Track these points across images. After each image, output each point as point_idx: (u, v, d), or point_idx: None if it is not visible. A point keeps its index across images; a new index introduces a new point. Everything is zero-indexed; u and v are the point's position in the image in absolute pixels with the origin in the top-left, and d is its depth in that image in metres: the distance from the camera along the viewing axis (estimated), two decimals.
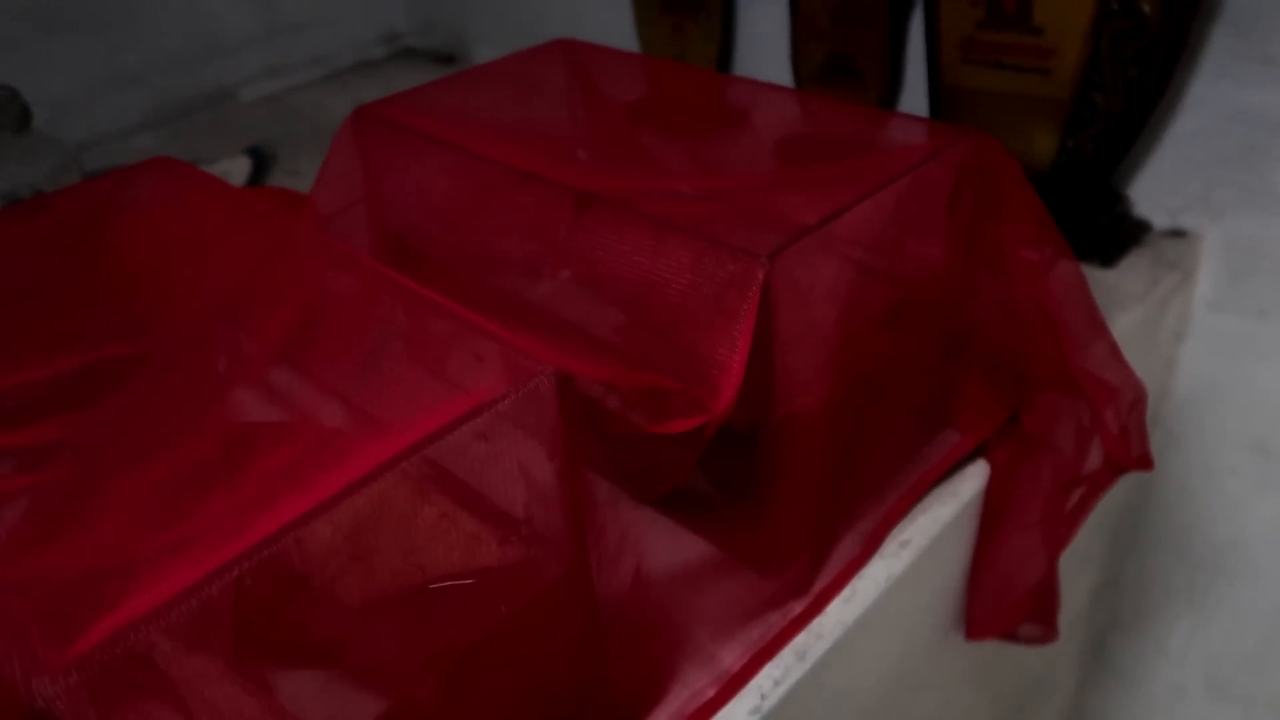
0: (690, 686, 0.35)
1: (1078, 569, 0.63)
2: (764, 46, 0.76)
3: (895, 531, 0.42)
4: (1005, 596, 0.48)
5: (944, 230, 0.40)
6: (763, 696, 0.36)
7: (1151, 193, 0.61)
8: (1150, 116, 0.55)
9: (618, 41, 0.87)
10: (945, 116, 0.63)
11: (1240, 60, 0.54)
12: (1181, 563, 0.69)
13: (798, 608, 0.38)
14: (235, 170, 0.82)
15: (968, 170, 0.40)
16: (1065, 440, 0.45)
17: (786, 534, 0.38)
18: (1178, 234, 0.60)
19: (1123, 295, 0.55)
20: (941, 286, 0.42)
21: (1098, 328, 0.44)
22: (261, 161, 0.83)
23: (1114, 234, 0.59)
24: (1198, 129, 0.58)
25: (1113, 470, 0.45)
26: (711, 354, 0.31)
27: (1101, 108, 0.56)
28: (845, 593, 0.39)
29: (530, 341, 0.29)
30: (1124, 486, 0.50)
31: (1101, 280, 0.57)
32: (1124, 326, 0.54)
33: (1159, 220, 0.61)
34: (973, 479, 0.44)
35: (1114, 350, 0.44)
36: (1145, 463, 0.45)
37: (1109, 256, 0.58)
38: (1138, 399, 0.44)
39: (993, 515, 0.45)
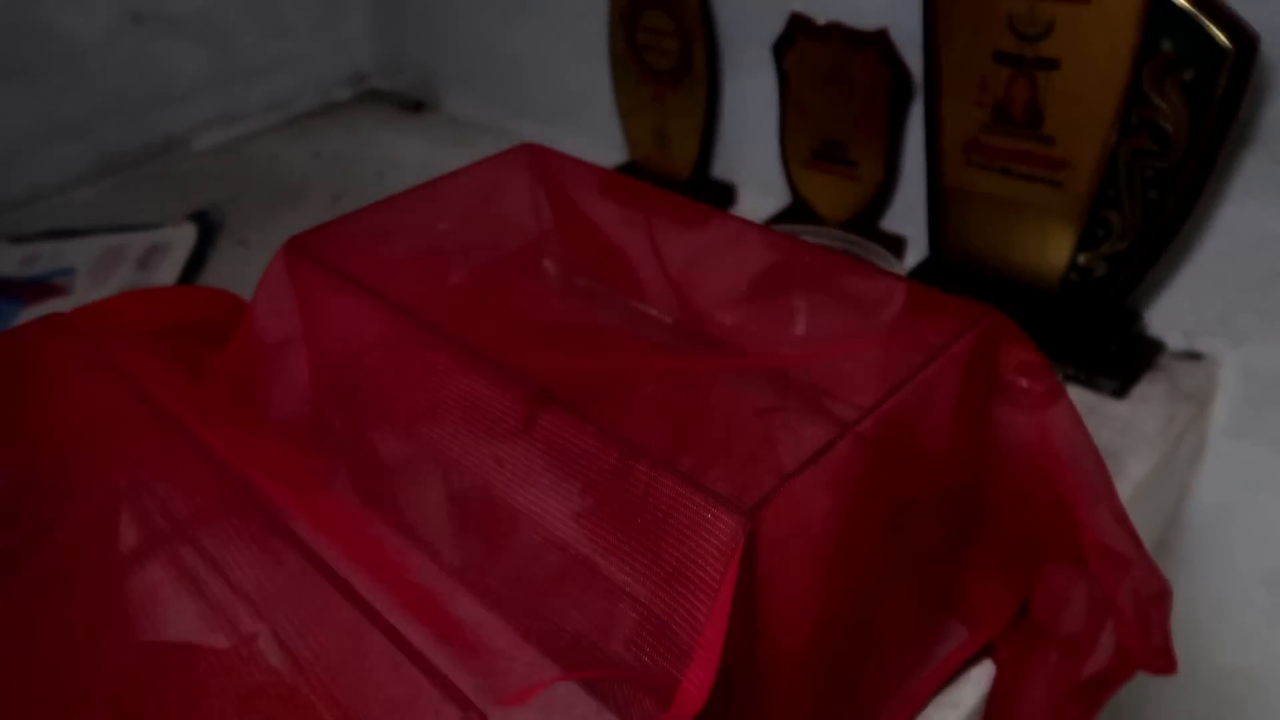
0: None
1: None
2: (752, 122, 0.71)
3: None
4: None
5: (954, 421, 0.35)
6: None
7: (1167, 312, 0.56)
8: (1171, 241, 0.50)
9: (595, 103, 0.81)
10: (945, 220, 0.59)
11: (1269, 183, 0.50)
12: (1187, 692, 0.65)
13: None
14: (179, 239, 0.76)
15: (981, 355, 0.35)
16: (1075, 630, 0.40)
17: None
18: (1194, 357, 0.56)
19: (1136, 436, 0.51)
20: (950, 478, 0.37)
21: (1106, 492, 0.40)
22: (208, 229, 0.77)
23: (1127, 358, 0.55)
24: (1219, 251, 0.53)
25: (1127, 665, 0.40)
26: (676, 635, 0.26)
27: (1117, 227, 0.51)
28: None
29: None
30: None
31: (1113, 415, 0.52)
32: (1138, 474, 0.49)
33: (1173, 341, 0.56)
34: (976, 684, 0.39)
35: (1127, 527, 0.40)
36: (1166, 661, 0.40)
37: (1122, 384, 0.53)
38: (1161, 593, 0.39)
39: None
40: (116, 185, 0.86)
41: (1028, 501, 0.39)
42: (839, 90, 0.62)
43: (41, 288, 0.71)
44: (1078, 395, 0.54)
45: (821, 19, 0.61)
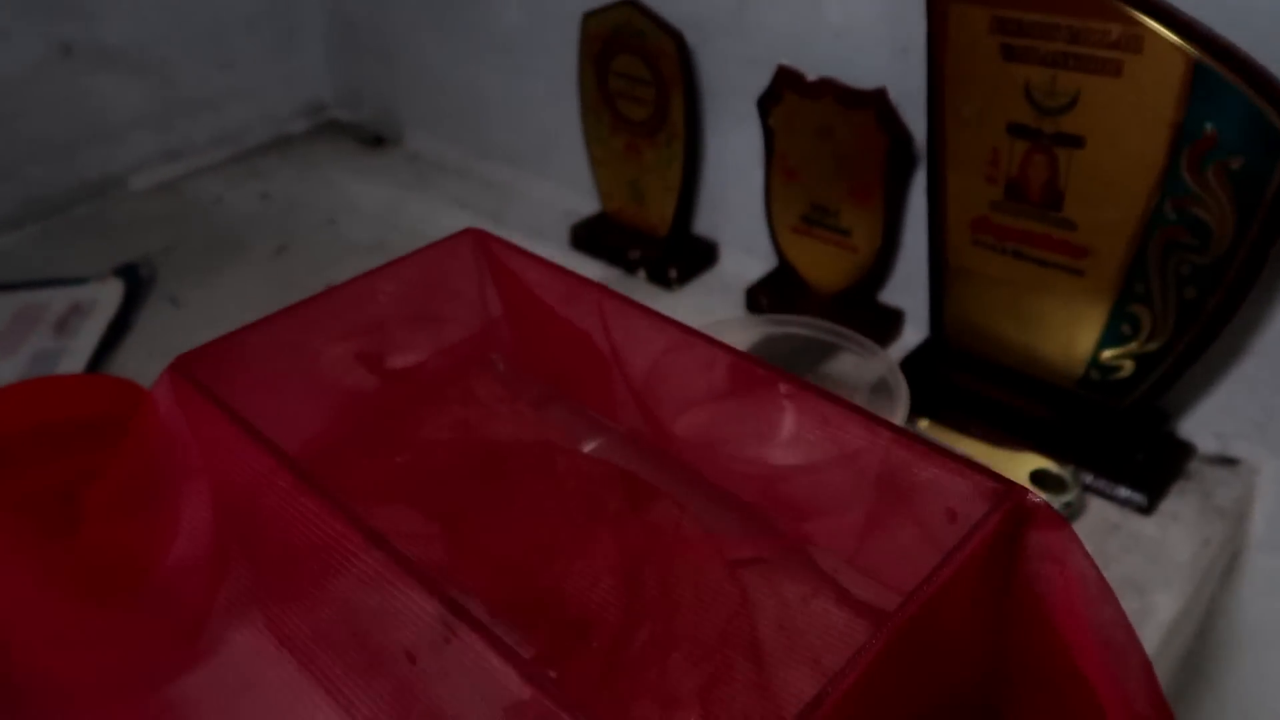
0: None
1: None
2: (736, 180, 0.64)
3: None
4: None
5: (975, 606, 0.29)
6: None
7: (1199, 413, 0.50)
8: (1211, 345, 0.44)
9: (566, 147, 0.74)
10: (949, 300, 0.52)
11: None
12: None
13: None
14: (104, 296, 0.69)
15: (1006, 537, 0.29)
16: None
17: None
18: (1228, 462, 0.50)
19: (1167, 564, 0.45)
20: (971, 667, 0.30)
21: (1139, 672, 0.33)
22: (136, 285, 0.70)
23: (1154, 467, 0.48)
24: (1259, 350, 0.47)
25: None
26: None
27: (1147, 325, 0.45)
28: None
29: None
30: None
31: (1139, 536, 0.46)
32: (1169, 614, 0.43)
33: (1205, 444, 0.50)
34: None
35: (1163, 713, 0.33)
36: None
37: (1149, 497, 0.47)
38: None
39: None
40: (43, 231, 0.79)
41: (1053, 685, 0.33)
42: (830, 152, 0.55)
43: None
44: (1098, 510, 0.48)
45: (812, 74, 0.54)
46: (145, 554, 0.39)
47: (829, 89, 0.54)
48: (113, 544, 0.38)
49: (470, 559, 0.38)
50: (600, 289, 0.41)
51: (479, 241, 0.45)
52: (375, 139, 0.90)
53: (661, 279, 0.66)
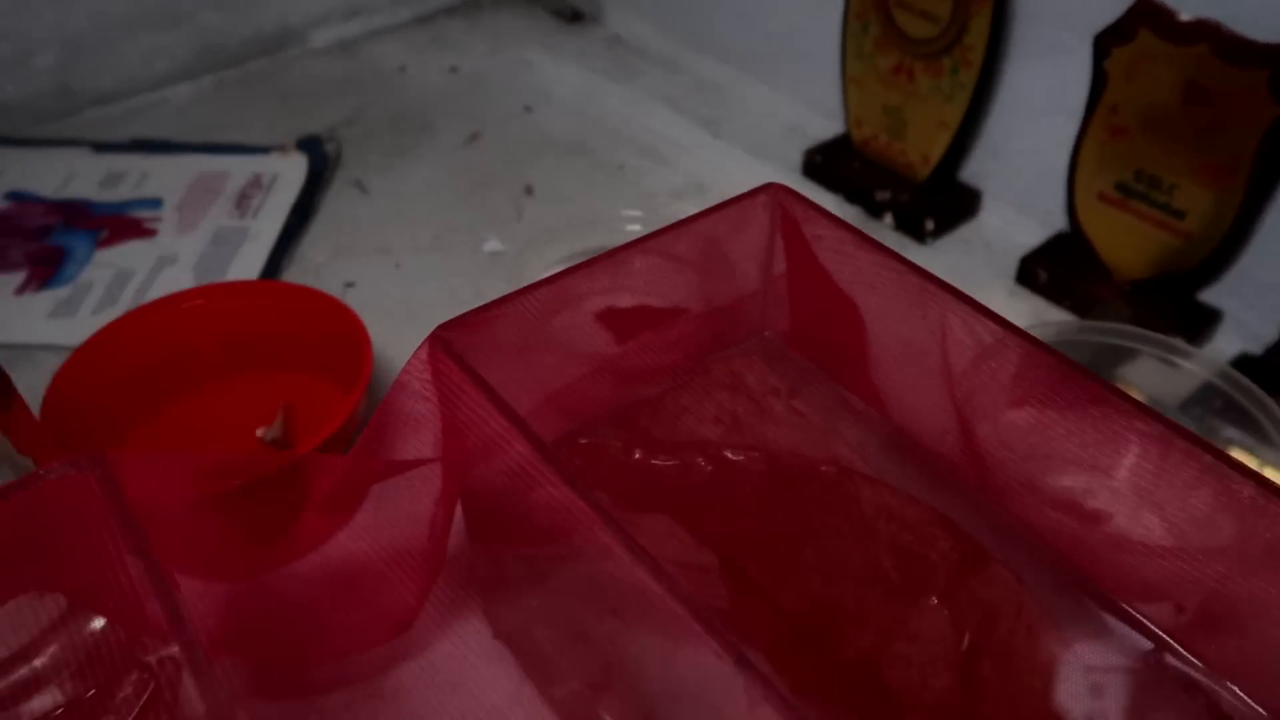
0: None
1: None
2: (1029, 124, 0.53)
3: None
4: None
5: None
6: None
7: None
8: None
9: (809, 55, 0.63)
10: None
11: None
12: None
13: None
14: (286, 171, 0.63)
15: None
16: None
17: None
18: None
19: None
20: None
21: None
22: (320, 162, 0.63)
23: None
24: None
25: None
26: None
27: None
28: None
29: None
30: None
31: None
32: None
33: None
34: None
35: None
36: None
37: None
38: None
39: None
40: (217, 84, 0.73)
41: None
42: (1187, 116, 0.44)
43: (122, 222, 0.59)
44: None
45: (1186, 11, 0.43)
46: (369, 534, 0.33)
47: (1206, 34, 0.42)
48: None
49: (753, 607, 0.31)
50: (938, 283, 0.33)
51: (776, 200, 0.36)
52: (572, 13, 0.80)
53: (913, 229, 0.57)
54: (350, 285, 0.54)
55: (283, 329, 0.43)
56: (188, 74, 0.72)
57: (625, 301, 0.36)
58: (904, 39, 0.54)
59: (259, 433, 0.42)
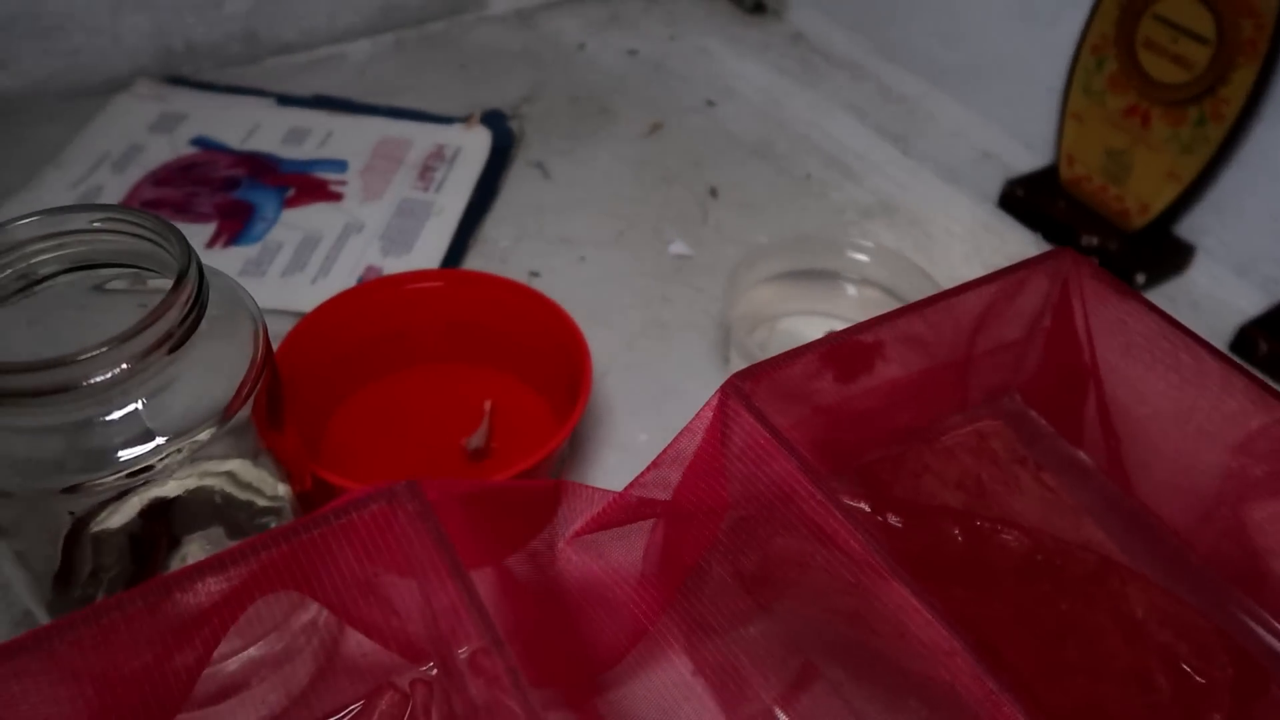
0: None
1: None
2: (1271, 191, 0.50)
3: None
4: None
5: None
6: None
7: None
8: None
9: (1021, 77, 0.60)
10: None
11: None
12: None
13: None
14: (469, 145, 0.62)
15: None
16: None
17: None
18: None
19: None
20: None
21: None
22: (504, 140, 0.62)
23: None
24: None
25: None
26: None
27: None
28: None
29: None
30: None
31: None
32: None
33: None
34: None
35: None
36: None
37: None
38: None
39: None
40: (395, 44, 0.72)
41: None
42: None
43: (309, 182, 0.58)
44: None
45: None
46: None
47: None
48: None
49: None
50: (1236, 367, 0.31)
51: (1063, 268, 0.34)
52: (755, 4, 0.78)
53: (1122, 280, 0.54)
54: (535, 275, 0.53)
55: (502, 326, 0.43)
56: (369, 30, 0.72)
57: (876, 354, 0.34)
58: (1146, 81, 0.51)
59: (466, 441, 0.41)
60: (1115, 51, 0.52)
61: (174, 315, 0.25)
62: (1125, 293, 0.33)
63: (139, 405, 0.26)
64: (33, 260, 0.27)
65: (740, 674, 0.33)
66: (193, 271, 0.26)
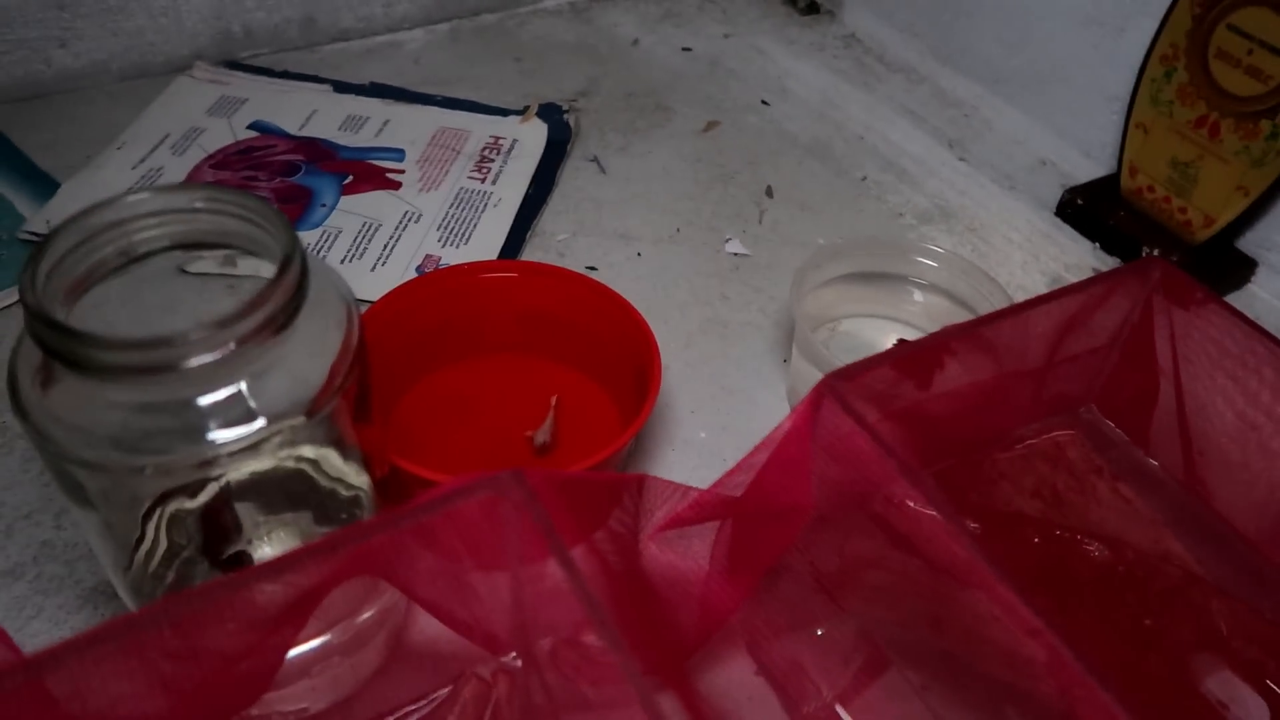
0: None
1: None
2: None
3: None
4: None
5: None
6: None
7: None
8: None
9: (1083, 85, 0.60)
10: None
11: None
12: None
13: None
14: (526, 137, 0.62)
15: None
16: None
17: None
18: None
19: None
20: None
21: None
22: (561, 133, 0.62)
23: None
24: None
25: None
26: None
27: None
28: None
29: None
30: None
31: None
32: None
33: None
34: None
35: None
36: None
37: None
38: None
39: None
40: (452, 35, 0.72)
41: None
42: None
43: (367, 169, 0.59)
44: None
45: None
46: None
47: None
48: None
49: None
50: None
51: (1153, 278, 0.34)
52: (809, 4, 0.78)
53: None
54: (592, 269, 0.53)
55: (570, 320, 0.43)
56: (425, 19, 0.72)
57: (956, 362, 0.34)
58: (1217, 93, 0.51)
59: (531, 435, 0.41)
60: (1186, 61, 0.52)
61: (279, 299, 0.25)
62: (1215, 301, 0.33)
63: (241, 387, 0.26)
64: (134, 237, 0.28)
65: (804, 671, 0.33)
66: (297, 255, 0.26)
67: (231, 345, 0.25)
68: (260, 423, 0.26)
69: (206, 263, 0.31)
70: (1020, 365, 0.35)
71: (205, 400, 0.26)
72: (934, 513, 0.25)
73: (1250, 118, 0.50)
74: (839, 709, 0.32)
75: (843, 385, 0.28)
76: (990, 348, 0.32)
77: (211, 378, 0.25)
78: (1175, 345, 0.34)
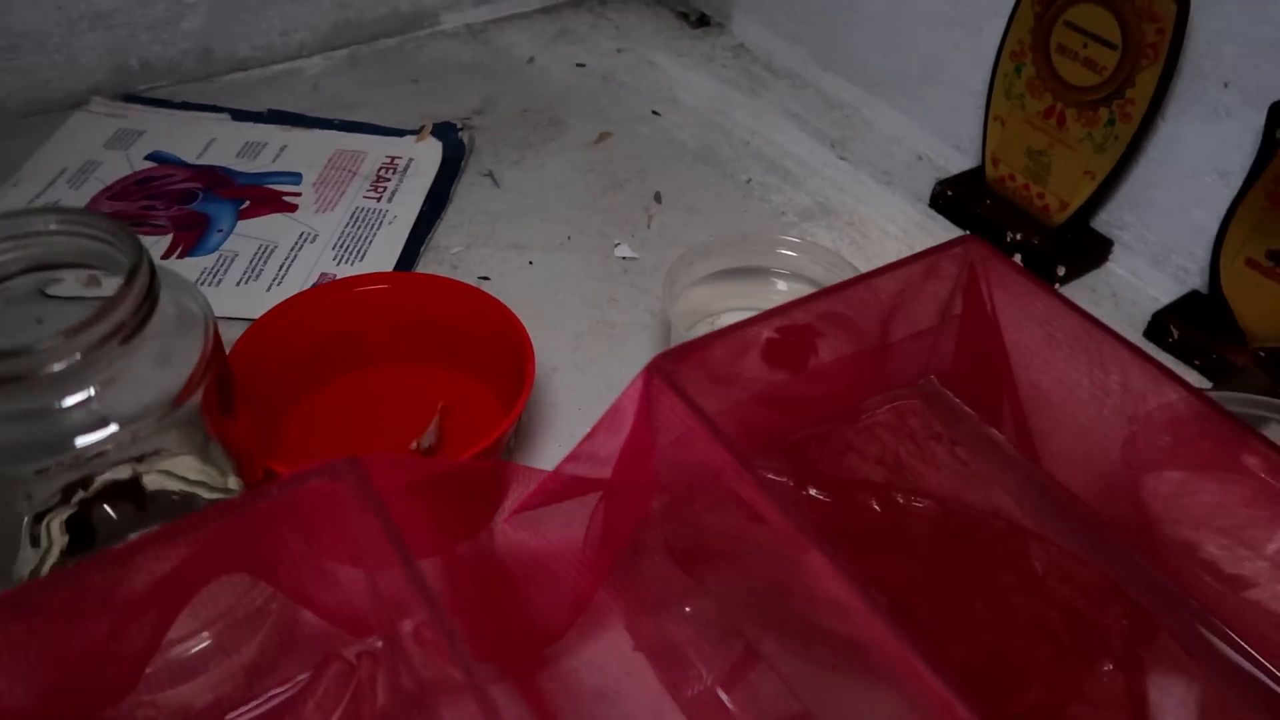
0: None
1: None
2: (1177, 180, 0.53)
3: None
4: None
5: None
6: None
7: None
8: None
9: (948, 83, 0.63)
10: None
11: None
12: None
13: None
14: (421, 156, 0.64)
15: None
16: None
17: None
18: None
19: None
20: None
21: None
22: (455, 151, 0.64)
23: None
24: None
25: None
26: None
27: None
28: None
29: None
30: None
31: None
32: None
33: None
34: None
35: None
36: None
37: None
38: None
39: None
40: (350, 60, 0.74)
41: None
42: None
43: (263, 193, 0.60)
44: None
45: None
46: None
47: None
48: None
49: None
50: (1125, 344, 0.33)
51: (970, 254, 0.37)
52: (699, 17, 0.81)
53: (1043, 273, 0.57)
54: (484, 279, 0.55)
55: (450, 326, 0.44)
56: (323, 46, 0.73)
57: (801, 339, 0.37)
58: (1060, 84, 0.54)
59: (413, 444, 0.43)
60: (1032, 56, 0.55)
61: (127, 308, 0.27)
62: (1027, 278, 0.36)
63: (91, 393, 0.27)
64: None
65: (681, 653, 0.35)
66: (144, 267, 0.28)
67: (79, 354, 0.26)
68: (112, 428, 0.27)
69: (70, 285, 0.32)
70: (861, 340, 0.37)
71: (61, 407, 0.27)
72: (756, 485, 0.27)
73: (1090, 106, 0.53)
74: (720, 693, 0.34)
75: (669, 364, 0.30)
76: (828, 321, 0.35)
77: (64, 385, 0.27)
78: (998, 318, 0.37)
